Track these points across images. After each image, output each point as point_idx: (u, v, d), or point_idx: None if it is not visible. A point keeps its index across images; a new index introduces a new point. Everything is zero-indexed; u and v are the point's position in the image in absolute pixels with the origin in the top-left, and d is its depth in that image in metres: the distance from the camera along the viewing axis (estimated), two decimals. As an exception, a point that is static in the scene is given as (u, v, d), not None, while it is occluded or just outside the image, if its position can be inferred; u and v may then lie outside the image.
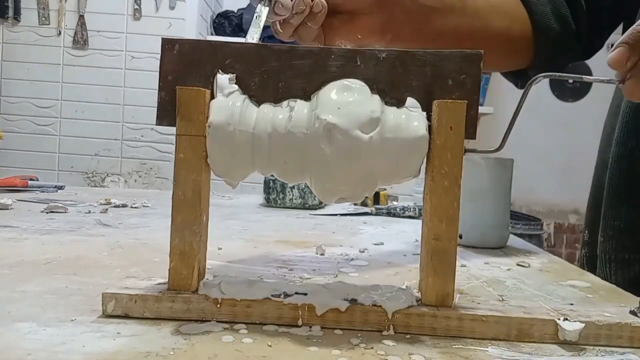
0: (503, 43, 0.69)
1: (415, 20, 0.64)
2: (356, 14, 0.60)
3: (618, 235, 0.68)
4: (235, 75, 0.41)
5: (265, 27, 0.52)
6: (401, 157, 0.39)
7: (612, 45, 0.76)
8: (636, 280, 0.58)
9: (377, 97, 0.40)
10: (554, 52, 0.71)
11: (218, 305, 0.38)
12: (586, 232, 0.77)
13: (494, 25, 0.67)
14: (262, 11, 0.53)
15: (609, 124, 0.74)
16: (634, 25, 0.42)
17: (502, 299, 0.47)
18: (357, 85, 0.40)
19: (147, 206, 1.07)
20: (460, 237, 0.75)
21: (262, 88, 0.41)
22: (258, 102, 0.41)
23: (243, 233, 0.81)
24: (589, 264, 0.74)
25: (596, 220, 0.72)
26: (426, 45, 0.62)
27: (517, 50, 0.71)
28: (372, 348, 0.34)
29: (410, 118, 0.39)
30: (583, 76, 0.43)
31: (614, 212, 0.68)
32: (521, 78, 0.76)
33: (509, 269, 0.62)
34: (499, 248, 0.76)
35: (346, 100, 0.39)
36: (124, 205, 1.05)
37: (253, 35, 0.50)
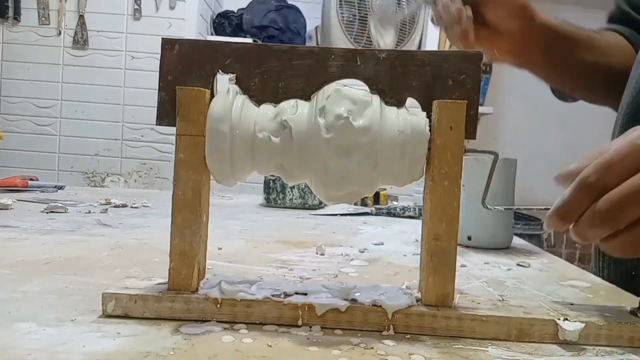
0: (620, 79, 0.72)
1: (548, 52, 0.74)
2: (500, 35, 0.72)
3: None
4: (235, 75, 0.41)
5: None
6: (401, 159, 0.39)
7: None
8: (628, 274, 0.59)
9: (376, 98, 0.40)
10: None
11: (218, 305, 0.38)
12: None
13: (614, 62, 0.74)
14: (401, 14, 0.64)
15: (619, 125, 0.74)
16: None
17: (502, 299, 0.47)
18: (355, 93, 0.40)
19: (147, 206, 1.07)
20: (469, 238, 0.75)
21: (262, 88, 0.41)
22: (258, 102, 0.41)
23: (243, 233, 0.81)
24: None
25: None
26: (551, 74, 0.79)
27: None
28: (372, 348, 0.34)
29: (410, 119, 0.39)
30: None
31: None
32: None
33: (509, 269, 0.62)
34: (504, 249, 0.76)
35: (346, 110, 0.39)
36: (124, 205, 1.05)
37: (408, 13, 0.58)
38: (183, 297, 0.38)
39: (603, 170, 0.36)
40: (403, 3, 0.61)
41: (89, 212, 0.94)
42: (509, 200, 0.76)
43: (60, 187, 1.31)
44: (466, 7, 0.69)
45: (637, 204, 0.35)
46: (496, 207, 0.45)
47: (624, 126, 0.68)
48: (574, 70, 0.76)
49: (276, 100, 0.41)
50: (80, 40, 2.41)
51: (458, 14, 0.68)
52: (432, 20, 0.73)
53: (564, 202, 0.38)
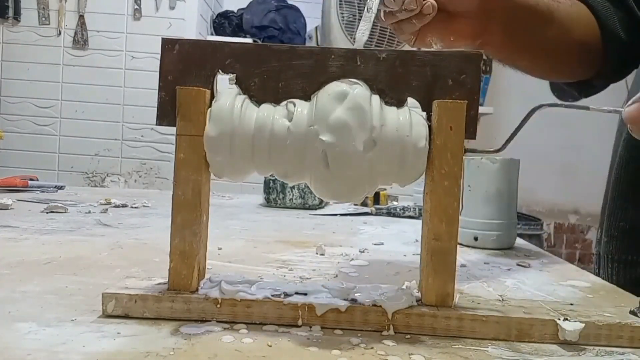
0: (580, 53, 0.70)
1: (507, 29, 0.66)
2: (454, 17, 0.61)
3: (622, 236, 0.68)
4: (235, 75, 0.41)
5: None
6: (402, 159, 0.39)
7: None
8: (637, 281, 0.58)
9: (376, 98, 0.40)
10: (621, 61, 0.72)
11: (218, 305, 0.38)
12: (599, 231, 0.77)
13: (574, 35, 0.69)
14: (374, 4, 0.55)
15: (622, 125, 0.74)
16: None
17: (502, 299, 0.47)
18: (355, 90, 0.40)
19: (147, 206, 1.07)
20: (476, 239, 0.75)
21: (262, 88, 0.41)
22: (258, 103, 0.41)
23: (243, 233, 0.81)
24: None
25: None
26: (513, 53, 0.69)
27: (589, 59, 0.72)
28: (372, 348, 0.34)
29: (410, 120, 0.39)
30: (590, 106, 0.42)
31: (621, 213, 0.68)
32: (585, 88, 0.78)
33: (509, 269, 0.62)
34: (508, 249, 0.76)
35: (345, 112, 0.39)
36: (124, 205, 1.05)
37: (364, 32, 0.50)
38: (183, 297, 0.38)
39: None
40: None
41: (89, 212, 0.94)
42: (513, 200, 0.76)
43: (60, 187, 1.31)
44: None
45: None
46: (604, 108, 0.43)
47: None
48: (534, 48, 0.69)
49: (276, 100, 0.41)
50: (80, 40, 2.41)
51: (417, 5, 0.56)
52: (381, 19, 0.60)
53: None
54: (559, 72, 0.75)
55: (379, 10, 0.58)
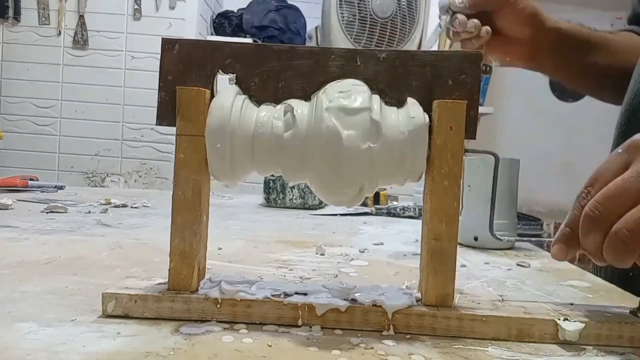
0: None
1: (560, 54, 0.76)
2: (511, 41, 0.74)
3: None
4: (235, 75, 0.41)
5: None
6: (402, 159, 0.39)
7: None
8: (625, 275, 0.59)
9: (376, 98, 0.40)
10: None
11: (218, 305, 0.38)
12: None
13: (629, 62, 0.74)
14: (444, 20, 0.70)
15: (618, 123, 0.75)
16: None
17: (502, 299, 0.47)
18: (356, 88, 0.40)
19: (147, 206, 1.07)
20: (476, 239, 0.75)
21: (262, 88, 0.41)
22: (258, 102, 0.41)
23: (243, 233, 0.81)
24: None
25: None
26: (565, 76, 0.81)
27: None
28: (372, 348, 0.34)
29: (410, 119, 0.39)
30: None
31: None
32: None
33: (509, 269, 0.62)
34: (508, 249, 0.76)
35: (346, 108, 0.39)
36: (124, 205, 1.05)
37: (431, 40, 0.62)
38: (183, 297, 0.38)
39: (607, 202, 0.36)
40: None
41: (89, 212, 0.94)
42: (513, 200, 0.76)
43: (60, 187, 1.31)
44: (483, 26, 0.71)
45: (619, 199, 0.36)
46: (507, 238, 0.49)
47: (621, 127, 0.68)
48: (587, 72, 0.77)
49: (276, 100, 0.41)
50: (80, 40, 2.41)
51: (476, 29, 0.70)
52: (449, 36, 0.74)
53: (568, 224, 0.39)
54: (613, 95, 0.81)
55: (447, 29, 0.72)
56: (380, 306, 0.38)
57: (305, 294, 0.39)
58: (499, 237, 0.44)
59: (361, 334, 0.37)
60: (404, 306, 0.38)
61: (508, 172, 0.75)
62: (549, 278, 0.59)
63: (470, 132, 0.39)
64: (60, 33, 2.42)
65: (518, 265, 0.65)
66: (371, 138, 0.38)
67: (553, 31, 0.74)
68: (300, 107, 0.40)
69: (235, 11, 2.64)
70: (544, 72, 0.80)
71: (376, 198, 1.30)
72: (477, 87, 0.40)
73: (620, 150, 0.39)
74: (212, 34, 2.62)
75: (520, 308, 0.39)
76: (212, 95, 0.40)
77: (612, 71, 0.76)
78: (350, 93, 0.39)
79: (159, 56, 0.41)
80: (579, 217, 0.38)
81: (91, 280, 0.48)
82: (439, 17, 0.72)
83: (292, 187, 1.18)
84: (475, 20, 0.70)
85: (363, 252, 0.69)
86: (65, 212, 0.92)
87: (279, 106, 0.40)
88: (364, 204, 1.22)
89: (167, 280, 0.40)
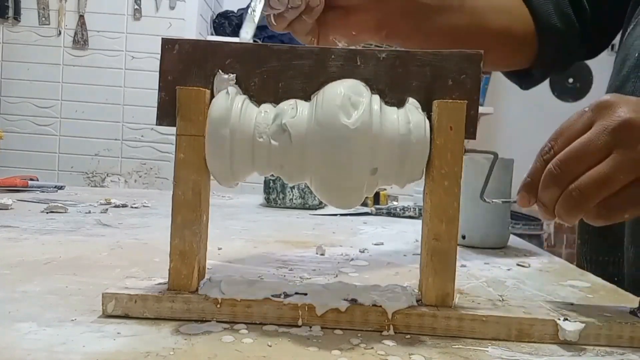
0: (503, 42, 0.68)
1: (412, 17, 0.63)
2: (351, 10, 0.59)
3: (593, 238, 0.71)
4: (235, 75, 0.41)
5: (265, 27, 0.52)
6: (402, 159, 0.39)
7: (612, 47, 0.75)
8: (610, 279, 0.59)
9: (376, 98, 0.40)
10: (558, 51, 0.71)
11: (218, 305, 0.38)
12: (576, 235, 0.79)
13: (493, 24, 0.68)
14: (257, 5, 0.53)
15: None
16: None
17: (502, 299, 0.47)
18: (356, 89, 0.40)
19: (147, 206, 1.07)
20: (464, 237, 0.75)
21: (262, 88, 0.41)
22: (258, 102, 0.41)
23: (243, 233, 0.81)
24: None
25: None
26: (422, 43, 0.65)
27: (518, 49, 0.71)
28: (372, 348, 0.34)
29: (410, 119, 0.39)
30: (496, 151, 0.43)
31: None
32: (525, 78, 0.76)
33: (509, 269, 0.62)
34: (500, 248, 0.76)
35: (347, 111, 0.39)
36: (124, 205, 1.05)
37: (247, 31, 0.50)
38: (183, 297, 0.38)
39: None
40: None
41: (89, 212, 0.94)
42: (506, 197, 0.76)
43: (60, 187, 1.31)
44: None
45: (580, 160, 0.39)
46: (494, 200, 0.48)
47: None
48: (444, 37, 0.65)
49: (276, 100, 0.41)
50: (80, 40, 2.41)
51: (304, 2, 0.54)
52: (271, 23, 0.57)
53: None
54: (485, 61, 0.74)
55: (268, 16, 0.55)
56: (380, 306, 0.38)
57: (306, 294, 0.39)
58: (487, 200, 0.44)
59: (361, 334, 0.37)
60: (404, 306, 0.38)
61: (501, 171, 0.74)
62: (549, 278, 0.59)
63: (470, 132, 0.39)
64: (60, 33, 2.42)
65: (518, 265, 0.65)
66: (371, 138, 0.38)
67: None
68: (300, 107, 0.40)
69: (235, 11, 2.64)
70: (397, 42, 0.65)
71: (376, 198, 1.30)
72: (477, 87, 0.40)
73: (586, 109, 0.41)
74: (212, 34, 2.62)
75: (520, 308, 0.39)
76: (212, 95, 0.40)
77: (474, 34, 0.66)
78: (350, 93, 0.39)
79: (159, 56, 0.41)
80: (540, 170, 0.41)
81: (91, 280, 0.48)
82: (250, 4, 0.54)
83: (292, 187, 1.18)
84: None
85: (363, 252, 0.69)
86: (65, 212, 0.92)
87: (277, 109, 0.40)
88: (364, 204, 1.22)
89: (167, 280, 0.40)
